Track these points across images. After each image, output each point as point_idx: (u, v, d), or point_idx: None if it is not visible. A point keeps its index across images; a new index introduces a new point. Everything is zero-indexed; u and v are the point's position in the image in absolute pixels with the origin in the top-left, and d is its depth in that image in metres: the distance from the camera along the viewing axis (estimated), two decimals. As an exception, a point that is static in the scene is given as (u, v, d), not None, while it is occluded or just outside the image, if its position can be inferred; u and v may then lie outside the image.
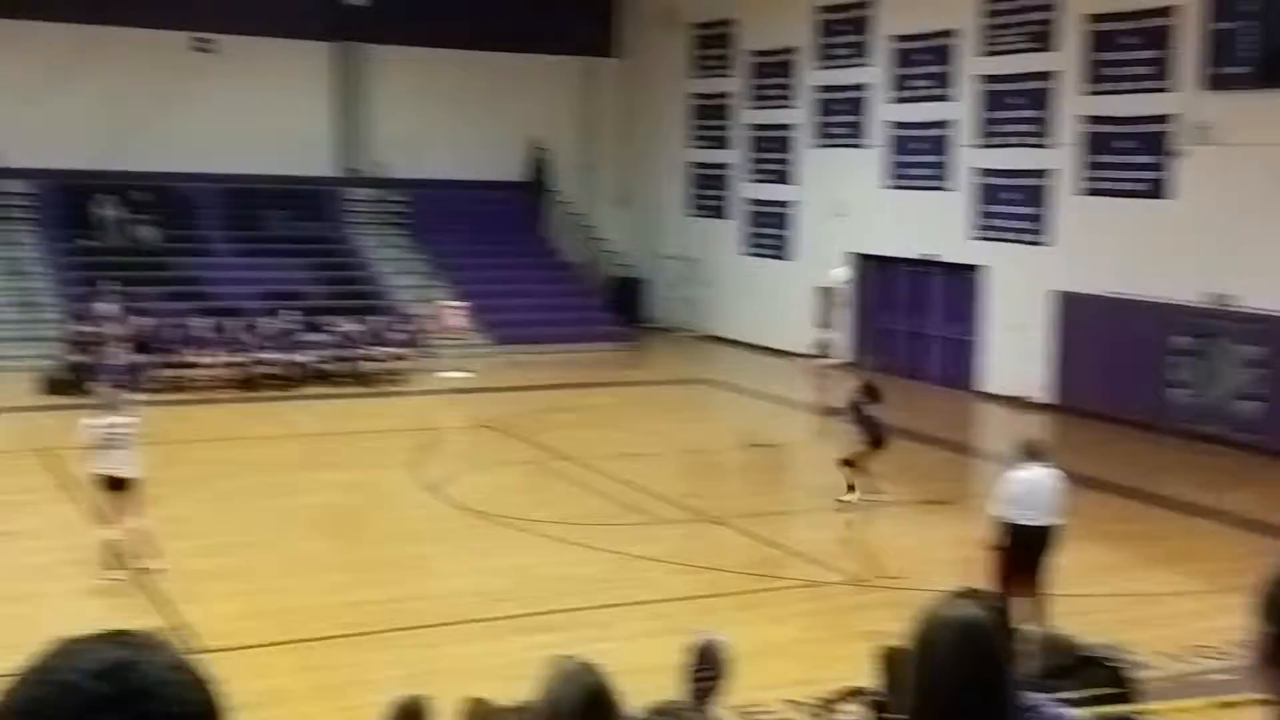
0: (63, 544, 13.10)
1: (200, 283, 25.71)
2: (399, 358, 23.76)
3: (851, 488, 15.14)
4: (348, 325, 23.92)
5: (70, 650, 1.45)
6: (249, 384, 22.41)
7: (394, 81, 29.36)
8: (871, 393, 15.39)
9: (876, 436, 15.14)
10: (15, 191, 26.48)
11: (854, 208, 25.47)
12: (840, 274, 24.63)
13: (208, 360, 22.45)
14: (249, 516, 14.42)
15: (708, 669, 6.14)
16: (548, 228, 30.69)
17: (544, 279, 28.74)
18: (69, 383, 21.14)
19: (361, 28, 28.35)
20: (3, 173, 25.95)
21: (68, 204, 26.43)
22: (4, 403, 21.13)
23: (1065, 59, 21.41)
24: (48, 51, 26.52)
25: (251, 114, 27.91)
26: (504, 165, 30.01)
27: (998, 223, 22.81)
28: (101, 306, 22.66)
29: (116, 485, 11.96)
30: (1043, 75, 21.81)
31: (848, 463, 15.24)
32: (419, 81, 29.34)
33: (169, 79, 27.63)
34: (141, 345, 21.64)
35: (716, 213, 29.54)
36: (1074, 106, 21.31)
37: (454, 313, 25.26)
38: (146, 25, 27.02)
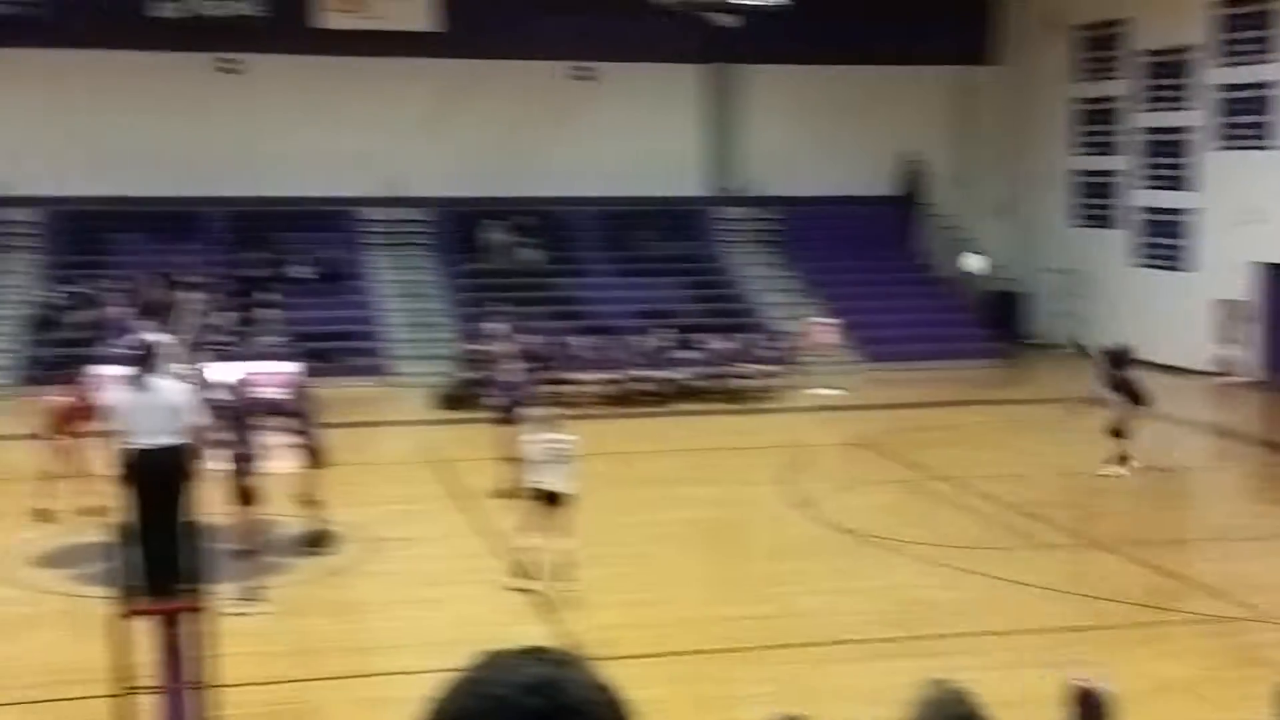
0: (455, 551, 13.82)
1: (578, 302, 26.66)
2: (769, 375, 23.78)
3: (1124, 459, 16.23)
4: (719, 343, 24.15)
5: (500, 664, 1.52)
6: (624, 400, 22.98)
7: (764, 100, 29.53)
8: (1116, 360, 16.59)
9: (1135, 395, 16.32)
10: (414, 219, 28.32)
11: (1266, 214, 23.57)
12: (974, 262, 23.69)
13: (586, 377, 23.18)
14: (625, 529, 14.70)
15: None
16: (921, 242, 30.03)
17: (917, 294, 28.11)
18: (461, 398, 22.32)
19: (733, 49, 28.65)
20: (402, 201, 27.79)
21: (459, 229, 28.03)
22: (402, 416, 22.57)
23: None
24: (439, 86, 28.24)
25: (626, 138, 28.75)
26: (876, 180, 29.59)
27: None
28: (491, 326, 23.78)
29: (551, 500, 12.18)
30: None
31: (1116, 432, 16.35)
32: (789, 99, 29.40)
33: (550, 107, 28.87)
34: (527, 363, 22.52)
35: (1103, 222, 28.07)
36: None
37: (825, 330, 25.06)
38: (530, 57, 28.33)
